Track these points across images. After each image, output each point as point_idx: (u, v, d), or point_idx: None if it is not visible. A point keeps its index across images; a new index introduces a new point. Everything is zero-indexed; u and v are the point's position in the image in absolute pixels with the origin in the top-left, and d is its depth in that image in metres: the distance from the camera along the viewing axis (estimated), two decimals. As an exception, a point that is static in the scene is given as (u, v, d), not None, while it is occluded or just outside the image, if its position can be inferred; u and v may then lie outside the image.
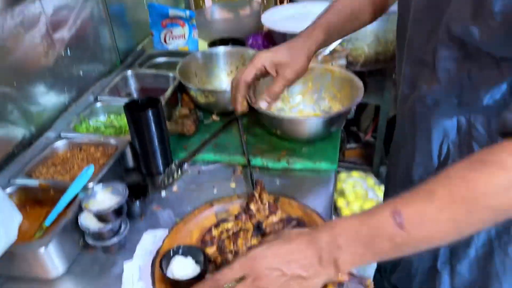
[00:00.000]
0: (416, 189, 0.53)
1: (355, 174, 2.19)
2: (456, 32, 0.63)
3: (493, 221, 0.52)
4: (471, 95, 0.67)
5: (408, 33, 0.76)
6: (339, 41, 1.27)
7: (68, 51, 1.10)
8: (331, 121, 1.01)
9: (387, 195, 1.09)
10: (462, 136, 0.72)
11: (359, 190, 2.09)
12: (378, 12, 0.94)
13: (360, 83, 1.06)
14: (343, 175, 2.19)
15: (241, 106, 0.83)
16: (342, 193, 2.11)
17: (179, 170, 1.00)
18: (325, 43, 0.86)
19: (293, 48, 0.79)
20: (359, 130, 2.43)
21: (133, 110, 0.89)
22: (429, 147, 0.77)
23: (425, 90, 0.73)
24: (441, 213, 0.51)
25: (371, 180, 2.18)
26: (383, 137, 2.11)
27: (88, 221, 0.78)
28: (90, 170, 0.81)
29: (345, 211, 2.05)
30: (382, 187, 2.09)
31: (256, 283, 0.56)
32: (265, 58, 0.76)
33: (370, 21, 0.95)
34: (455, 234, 0.52)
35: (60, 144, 0.98)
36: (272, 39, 1.49)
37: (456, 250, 0.80)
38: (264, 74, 0.83)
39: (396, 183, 0.94)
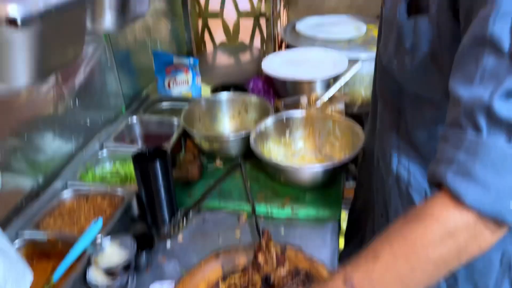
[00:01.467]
0: (364, 251, 0.55)
1: (355, 213, 2.18)
2: (383, 63, 0.76)
3: (437, 274, 0.52)
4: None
5: None
6: (338, 87, 1.32)
7: (77, 100, 1.12)
8: (333, 170, 1.03)
9: None
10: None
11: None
12: None
13: (360, 130, 1.09)
14: (343, 214, 2.19)
15: None
16: (343, 233, 2.09)
17: (185, 219, 1.01)
18: None
19: None
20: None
21: (141, 161, 0.91)
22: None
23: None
24: (386, 273, 0.52)
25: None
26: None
27: (96, 276, 0.78)
28: (98, 223, 0.82)
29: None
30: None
31: None
32: None
33: None
34: None
35: (67, 195, 0.99)
36: (272, 83, 1.53)
37: None
38: None
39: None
